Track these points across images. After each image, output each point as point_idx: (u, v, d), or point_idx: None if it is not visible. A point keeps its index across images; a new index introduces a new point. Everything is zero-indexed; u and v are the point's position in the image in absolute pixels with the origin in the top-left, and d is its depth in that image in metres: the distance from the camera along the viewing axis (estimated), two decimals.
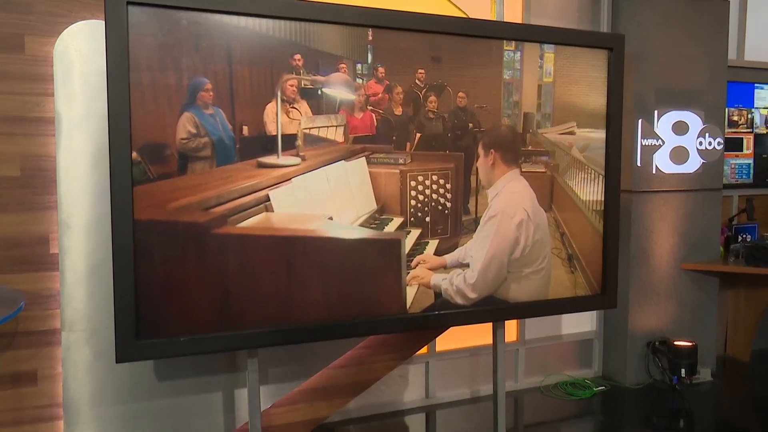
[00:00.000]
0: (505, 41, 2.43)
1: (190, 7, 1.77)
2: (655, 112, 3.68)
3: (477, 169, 2.33)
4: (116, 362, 1.75)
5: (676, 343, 3.61)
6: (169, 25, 1.76)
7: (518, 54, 2.44)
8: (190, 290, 1.83)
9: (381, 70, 2.09)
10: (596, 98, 2.67)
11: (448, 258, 2.33)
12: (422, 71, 2.20)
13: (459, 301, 2.27)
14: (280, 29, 1.90)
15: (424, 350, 3.33)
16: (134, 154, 1.74)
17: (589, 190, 2.64)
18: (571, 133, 2.60)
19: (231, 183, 1.86)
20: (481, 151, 2.31)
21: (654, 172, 3.70)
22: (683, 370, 3.63)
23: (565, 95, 2.61)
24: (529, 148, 2.46)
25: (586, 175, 2.63)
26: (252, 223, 1.90)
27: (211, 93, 1.80)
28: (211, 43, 1.81)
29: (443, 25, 2.24)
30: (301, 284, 1.97)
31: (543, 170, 2.49)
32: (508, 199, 2.30)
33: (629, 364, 3.72)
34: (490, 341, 2.94)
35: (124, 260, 1.75)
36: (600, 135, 2.66)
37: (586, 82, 2.66)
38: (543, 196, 2.46)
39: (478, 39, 2.31)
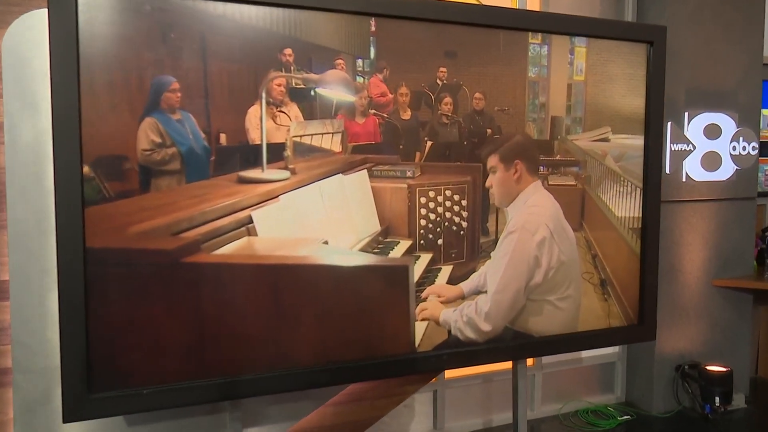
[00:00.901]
0: (530, 33, 2.12)
1: None
2: (686, 114, 3.44)
3: (490, 188, 2.05)
4: (63, 421, 1.45)
5: (708, 368, 3.42)
6: (128, 13, 1.45)
7: (545, 48, 2.17)
8: (155, 332, 1.54)
9: (384, 66, 1.78)
10: (633, 99, 2.42)
11: (466, 287, 2.07)
12: (444, 70, 1.93)
13: (471, 335, 2.00)
14: (265, 18, 1.60)
15: None
16: (86, 169, 1.45)
17: (625, 206, 2.38)
18: (605, 139, 2.37)
19: (205, 202, 1.61)
20: (499, 164, 2.04)
21: (684, 179, 3.45)
22: (717, 399, 3.36)
23: (599, 96, 2.34)
24: (558, 157, 2.19)
25: (621, 188, 2.38)
26: (231, 249, 1.64)
27: (179, 94, 1.52)
28: (181, 34, 1.51)
29: (459, 13, 1.94)
30: (292, 321, 1.70)
31: (573, 183, 2.25)
32: (529, 213, 2.05)
33: (656, 390, 3.48)
34: (504, 365, 2.76)
35: (72, 297, 1.46)
36: (637, 142, 2.42)
37: (622, 80, 2.38)
38: (573, 212, 2.21)
39: (500, 30, 2.02)
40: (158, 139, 1.50)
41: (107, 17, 1.45)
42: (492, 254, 2.06)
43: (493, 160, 2.01)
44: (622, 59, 2.34)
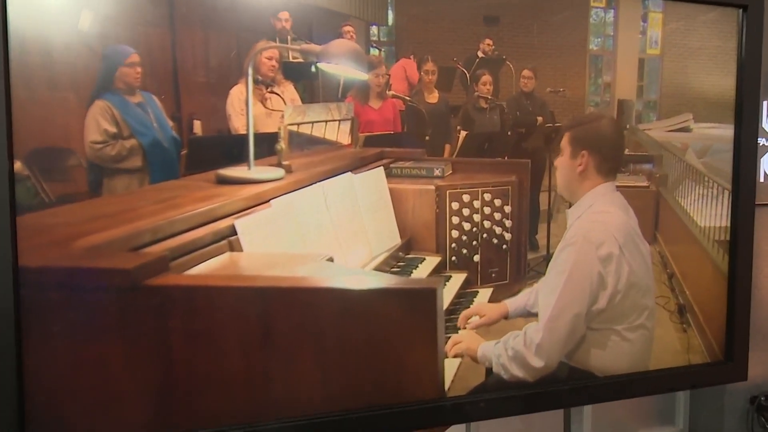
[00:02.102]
0: None
1: None
2: (765, 103, 3.14)
3: (555, 169, 1.89)
4: None
5: None
6: None
7: (611, 14, 1.95)
8: (110, 374, 1.38)
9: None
10: (721, 79, 2.20)
11: (511, 305, 1.92)
12: (490, 42, 1.71)
13: (518, 372, 1.81)
14: None
15: None
16: (18, 165, 1.27)
17: (710, 213, 2.15)
18: (686, 129, 2.16)
19: (174, 208, 1.43)
20: (566, 147, 1.86)
21: (762, 180, 3.19)
22: None
23: (678, 74, 2.16)
24: (626, 151, 1.96)
25: (705, 191, 2.17)
26: (209, 269, 1.46)
27: (139, 70, 1.33)
28: None
29: None
30: (286, 360, 1.54)
31: (645, 184, 2.05)
32: (593, 221, 1.83)
33: (726, 424, 3.34)
34: None
35: (2, 330, 1.25)
36: (726, 132, 2.25)
37: (707, 55, 2.17)
38: (645, 221, 2.03)
39: None
40: (112, 129, 1.34)
41: None
42: (547, 270, 1.85)
43: (564, 139, 1.82)
44: (707, 28, 2.13)
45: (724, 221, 2.15)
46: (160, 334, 1.40)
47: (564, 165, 1.87)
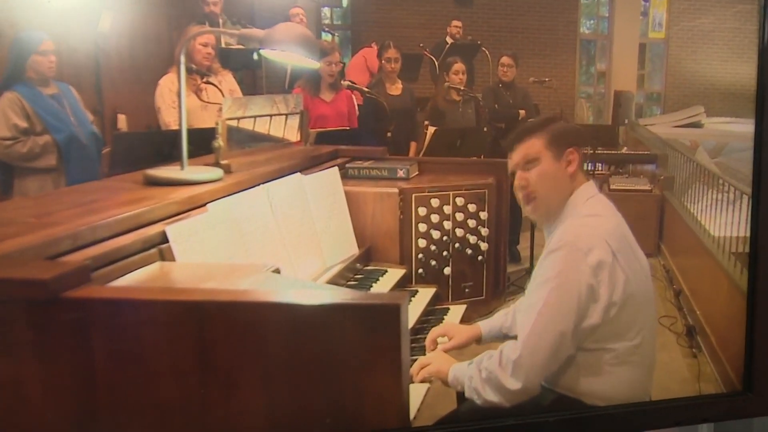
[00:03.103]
0: None
1: None
2: None
3: (525, 188, 1.78)
4: None
5: None
6: None
7: None
8: (25, 398, 1.43)
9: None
10: (738, 66, 2.32)
11: (485, 326, 1.96)
12: (458, 24, 1.81)
13: (492, 397, 1.83)
14: None
15: None
16: None
17: (726, 221, 2.27)
18: (696, 124, 2.29)
19: (96, 212, 1.49)
20: (545, 151, 1.79)
21: None
22: None
23: (687, 61, 2.27)
24: (624, 150, 2.07)
25: (719, 195, 2.31)
26: (136, 280, 1.51)
27: (53, 58, 1.43)
28: None
29: None
30: (226, 384, 1.57)
31: (647, 187, 2.16)
32: (581, 225, 1.79)
33: None
34: None
35: None
36: (745, 128, 2.31)
37: (721, 38, 2.31)
38: (646, 229, 2.16)
39: None
40: (23, 123, 1.45)
41: None
42: (529, 282, 1.80)
43: (535, 146, 1.76)
44: (721, 8, 2.30)
45: (743, 230, 2.31)
46: (81, 353, 1.42)
47: (548, 171, 1.82)
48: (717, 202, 2.28)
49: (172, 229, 1.54)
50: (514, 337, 1.82)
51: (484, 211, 1.99)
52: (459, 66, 1.84)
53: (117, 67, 1.47)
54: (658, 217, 2.13)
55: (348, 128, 1.74)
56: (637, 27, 2.06)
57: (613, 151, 2.02)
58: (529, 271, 1.92)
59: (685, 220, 2.23)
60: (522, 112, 1.89)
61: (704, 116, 2.19)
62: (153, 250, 1.53)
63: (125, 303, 1.42)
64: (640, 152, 2.09)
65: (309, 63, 1.73)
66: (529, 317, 1.75)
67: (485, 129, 1.86)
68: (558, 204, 1.82)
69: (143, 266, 1.51)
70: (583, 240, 1.74)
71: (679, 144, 2.19)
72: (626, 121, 2.05)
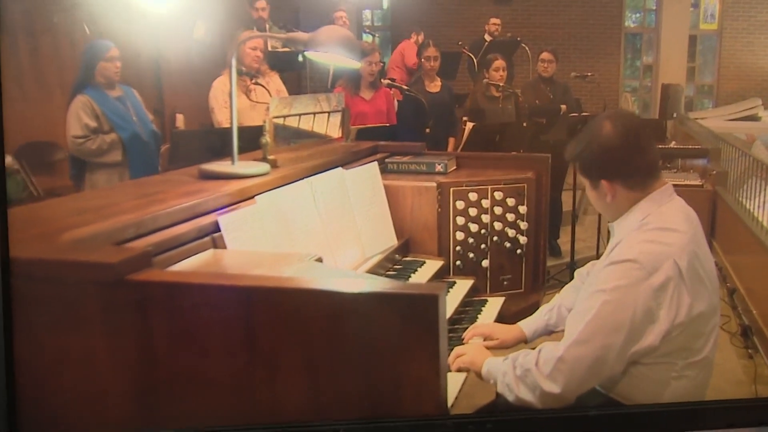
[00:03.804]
0: None
1: None
2: None
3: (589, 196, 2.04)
4: None
5: None
6: None
7: None
8: (94, 368, 1.76)
9: (421, 35, 1.96)
10: None
11: (528, 327, 2.11)
12: (497, 22, 2.07)
13: (526, 396, 1.88)
14: None
15: None
16: (9, 160, 1.73)
17: None
18: (753, 117, 2.41)
19: (157, 203, 1.78)
20: (583, 179, 1.96)
21: None
22: None
23: (742, 53, 2.44)
24: (672, 144, 2.25)
25: None
26: (191, 265, 1.77)
27: (118, 64, 1.77)
28: None
29: None
30: (271, 365, 1.84)
31: (697, 182, 2.31)
32: (648, 240, 1.84)
33: None
34: None
35: None
36: None
37: None
38: None
39: None
40: (93, 123, 1.77)
41: None
42: (585, 282, 2.03)
43: (578, 170, 1.93)
44: None
45: None
46: (143, 330, 1.67)
47: (592, 196, 1.98)
48: None
49: (224, 219, 1.81)
50: (562, 332, 1.92)
51: (523, 205, 2.19)
52: (499, 63, 2.06)
53: (175, 73, 1.80)
54: (710, 214, 2.25)
55: (387, 125, 1.96)
56: (687, 19, 2.22)
57: (660, 146, 2.20)
58: (569, 266, 2.11)
59: (741, 216, 2.34)
60: (563, 107, 2.11)
61: (762, 109, 2.33)
62: (207, 239, 1.79)
63: (182, 286, 1.68)
64: (690, 147, 2.26)
65: (350, 63, 1.99)
66: (576, 324, 1.85)
67: (524, 124, 2.10)
68: (614, 216, 1.91)
69: (198, 253, 1.77)
70: (648, 258, 1.78)
71: (733, 138, 2.33)
72: (675, 115, 2.21)
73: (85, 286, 1.63)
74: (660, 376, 1.89)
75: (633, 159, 1.83)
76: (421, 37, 2.02)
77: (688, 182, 2.24)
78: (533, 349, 1.91)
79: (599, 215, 2.15)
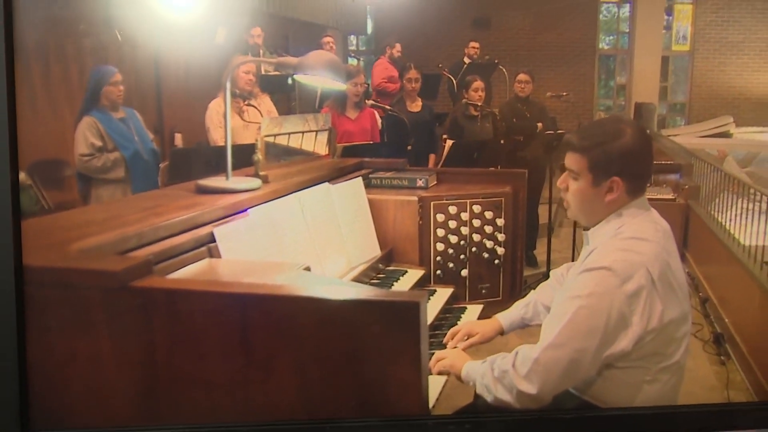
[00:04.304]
0: None
1: None
2: None
3: (564, 190, 2.18)
4: None
5: None
6: None
7: (627, 8, 2.52)
8: (99, 367, 1.99)
9: (398, 47, 2.26)
10: None
11: (505, 319, 2.35)
12: (476, 45, 2.35)
13: (504, 396, 2.09)
14: None
15: None
16: (22, 175, 2.02)
17: (759, 230, 2.64)
18: (725, 134, 2.66)
19: (157, 216, 2.06)
20: (585, 173, 2.10)
21: None
22: None
23: (714, 72, 2.69)
24: None
25: (751, 205, 2.66)
26: (189, 273, 2.02)
27: (121, 87, 2.05)
28: (124, 14, 2.06)
29: None
30: (264, 365, 2.06)
31: (670, 196, 2.56)
32: (622, 249, 2.05)
33: None
34: None
35: (6, 321, 1.96)
36: None
37: (753, 49, 2.70)
38: None
39: None
40: (98, 142, 2.04)
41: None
42: (554, 278, 2.29)
43: (578, 163, 2.04)
44: (752, 18, 2.69)
45: None
46: (144, 333, 1.93)
47: (584, 193, 2.06)
48: (748, 211, 2.60)
49: (219, 231, 2.05)
50: (537, 326, 2.20)
51: (500, 218, 2.42)
52: (478, 84, 2.27)
53: (174, 95, 2.11)
54: (683, 226, 2.50)
55: (371, 142, 2.17)
56: (660, 41, 2.48)
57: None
58: (545, 275, 2.31)
59: (713, 229, 2.58)
60: (539, 125, 2.38)
61: (733, 126, 2.58)
62: (203, 249, 2.03)
63: (180, 293, 1.91)
64: (663, 162, 2.53)
65: (337, 85, 2.25)
66: (551, 328, 2.02)
67: (502, 142, 2.35)
68: (589, 217, 2.08)
69: (195, 262, 2.01)
70: (622, 266, 1.95)
71: (705, 154, 2.56)
72: (647, 132, 2.47)
73: (92, 292, 1.90)
74: (633, 380, 2.06)
75: (647, 163, 2.05)
76: (395, 50, 2.29)
77: (662, 196, 2.52)
78: (513, 345, 2.08)
79: (574, 228, 2.40)
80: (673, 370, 2.09)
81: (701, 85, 2.46)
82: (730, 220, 2.60)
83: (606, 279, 1.96)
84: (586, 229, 2.11)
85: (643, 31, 2.40)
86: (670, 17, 2.41)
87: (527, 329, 2.44)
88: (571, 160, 2.07)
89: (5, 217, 2.01)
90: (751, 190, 2.62)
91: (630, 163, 1.99)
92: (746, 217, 2.61)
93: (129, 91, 2.11)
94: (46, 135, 2.02)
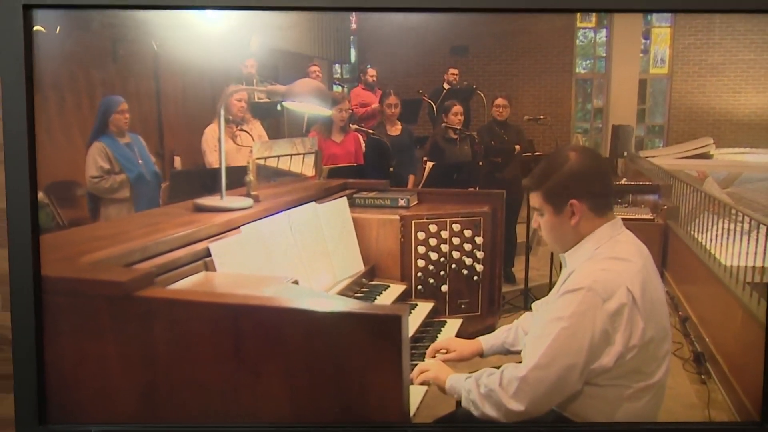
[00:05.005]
0: (578, 15, 3.15)
1: (105, 5, 2.73)
2: None
3: (537, 229, 2.76)
4: None
5: None
6: (78, 31, 2.74)
7: (603, 33, 3.16)
8: (106, 368, 2.63)
9: (371, 72, 3.13)
10: (754, 97, 3.20)
11: (486, 342, 2.91)
12: (455, 72, 3.01)
13: (491, 412, 2.60)
14: (222, 24, 2.80)
15: None
16: (40, 195, 2.67)
17: (740, 251, 3.10)
18: (705, 155, 3.23)
19: (158, 232, 2.71)
20: (544, 205, 2.65)
21: None
22: None
23: (693, 94, 3.26)
24: (623, 181, 3.07)
25: (732, 225, 3.14)
26: (187, 284, 2.65)
27: (127, 115, 2.75)
28: (130, 50, 2.79)
29: None
30: (255, 371, 2.60)
31: (648, 216, 3.11)
32: (601, 269, 2.54)
33: None
34: None
35: (26, 325, 2.71)
36: (759, 158, 3.18)
37: (733, 70, 3.26)
38: None
39: (528, 14, 2.87)
40: (107, 165, 2.69)
41: (58, 35, 2.72)
42: (542, 307, 2.68)
43: (536, 199, 2.61)
44: (733, 40, 3.21)
45: (760, 261, 3.02)
46: (146, 339, 2.58)
47: (551, 223, 2.62)
48: (729, 231, 3.04)
49: (214, 246, 2.67)
50: (517, 353, 2.71)
51: (479, 236, 3.02)
52: (458, 108, 2.86)
53: (174, 121, 2.90)
54: (661, 246, 2.95)
55: (355, 164, 2.64)
56: (637, 65, 2.95)
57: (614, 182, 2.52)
58: (523, 292, 2.84)
59: (692, 248, 3.01)
60: (517, 147, 2.89)
61: (713, 147, 3.15)
62: (199, 262, 2.65)
63: (179, 302, 2.51)
64: (641, 183, 3.00)
65: (322, 111, 2.86)
66: (535, 349, 2.45)
67: (480, 163, 2.79)
68: (565, 244, 2.57)
69: (192, 274, 2.61)
70: (603, 285, 2.41)
71: (684, 174, 3.00)
72: (625, 154, 3.06)
73: (100, 300, 2.55)
74: (612, 397, 2.51)
75: (600, 180, 2.53)
76: (369, 75, 2.90)
77: (640, 216, 3.02)
78: (495, 368, 2.56)
79: (526, 256, 2.83)
80: (654, 389, 2.54)
81: (680, 107, 2.96)
82: (711, 240, 3.04)
83: (587, 299, 2.44)
84: (562, 252, 2.59)
85: (620, 55, 2.93)
86: (648, 41, 2.94)
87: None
88: (532, 200, 2.62)
89: (25, 233, 2.66)
90: (733, 211, 3.08)
91: (581, 183, 2.53)
92: (727, 238, 3.06)
93: (133, 119, 2.62)
94: (61, 159, 2.53)
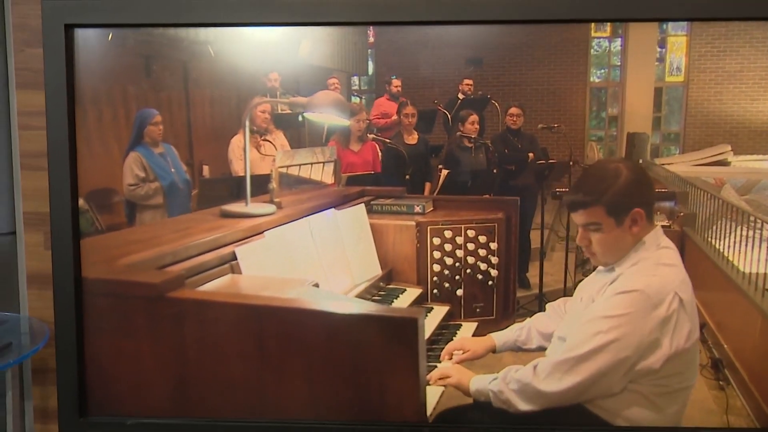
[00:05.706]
0: (593, 25, 3.79)
1: (140, 23, 3.57)
2: None
3: (586, 247, 3.34)
4: None
5: None
6: (115, 48, 3.50)
7: (618, 42, 3.83)
8: (141, 364, 3.32)
9: (395, 82, 3.67)
10: None
11: (499, 338, 3.52)
12: (470, 82, 3.70)
13: (525, 407, 3.23)
14: (248, 39, 3.56)
15: None
16: (81, 202, 3.36)
17: (758, 258, 3.65)
18: (723, 162, 3.82)
19: (188, 237, 3.35)
20: (606, 219, 3.23)
21: None
22: None
23: (710, 102, 3.82)
24: None
25: (751, 232, 3.71)
26: (214, 286, 3.28)
27: (161, 127, 3.48)
28: (162, 65, 3.51)
29: (484, 11, 3.36)
30: (277, 369, 3.22)
31: (664, 223, 3.62)
32: (653, 274, 3.12)
33: None
34: None
35: (67, 323, 3.46)
36: None
37: (751, 78, 3.82)
38: None
39: (542, 25, 3.63)
40: (142, 174, 3.39)
41: (97, 52, 3.47)
42: (581, 309, 3.21)
43: (594, 214, 3.19)
44: (751, 47, 3.80)
45: None
46: (177, 337, 3.40)
47: (611, 236, 3.20)
48: (747, 238, 3.61)
49: (240, 250, 3.31)
50: (529, 351, 3.42)
51: (493, 242, 3.70)
52: (473, 117, 3.45)
53: (203, 132, 2.93)
54: (679, 252, 3.37)
55: (373, 172, 3.20)
56: (652, 73, 2.82)
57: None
58: (538, 297, 3.46)
59: (710, 255, 3.56)
60: (531, 155, 3.50)
61: (731, 154, 3.70)
62: (226, 266, 3.27)
63: (208, 303, 3.23)
64: (657, 189, 3.51)
65: (341, 121, 3.59)
66: (583, 336, 3.02)
67: (495, 171, 3.36)
68: (621, 256, 3.15)
69: (219, 277, 3.25)
70: (655, 290, 3.03)
71: (701, 182, 3.54)
72: (641, 161, 3.63)
73: (135, 301, 3.20)
74: (644, 396, 3.07)
75: (652, 186, 3.17)
76: (393, 86, 3.53)
77: (657, 223, 3.41)
78: (505, 363, 3.16)
79: (566, 253, 3.40)
80: (687, 393, 3.15)
81: (696, 114, 3.40)
82: (729, 247, 3.58)
83: (640, 303, 3.04)
84: (614, 262, 3.11)
85: (635, 64, 3.41)
86: (663, 49, 3.62)
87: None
88: (585, 216, 3.21)
89: (67, 237, 3.36)
90: (751, 218, 3.57)
91: (640, 192, 3.16)
92: (746, 245, 3.59)
93: (166, 130, 3.17)
94: (100, 168, 3.07)
